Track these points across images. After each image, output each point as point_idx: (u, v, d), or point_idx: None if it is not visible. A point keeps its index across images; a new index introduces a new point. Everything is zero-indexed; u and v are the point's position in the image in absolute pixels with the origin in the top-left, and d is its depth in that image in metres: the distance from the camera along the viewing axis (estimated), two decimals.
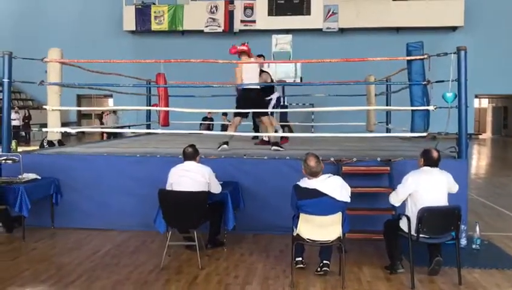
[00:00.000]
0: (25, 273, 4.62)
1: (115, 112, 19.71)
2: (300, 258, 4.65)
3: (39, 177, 5.96)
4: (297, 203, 4.23)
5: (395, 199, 4.55)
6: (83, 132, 19.87)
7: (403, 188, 4.46)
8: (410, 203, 4.44)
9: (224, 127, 16.33)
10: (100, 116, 21.03)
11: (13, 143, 6.79)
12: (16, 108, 21.20)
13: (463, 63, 5.74)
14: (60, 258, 5.10)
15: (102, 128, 16.53)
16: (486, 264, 4.80)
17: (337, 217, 4.19)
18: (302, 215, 4.21)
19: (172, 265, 4.84)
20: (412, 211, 4.36)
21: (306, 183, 4.27)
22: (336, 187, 4.23)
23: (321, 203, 4.17)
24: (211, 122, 16.13)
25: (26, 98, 25.37)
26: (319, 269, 4.52)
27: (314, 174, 4.25)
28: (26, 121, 21.49)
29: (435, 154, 4.54)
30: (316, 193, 4.18)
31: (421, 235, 4.26)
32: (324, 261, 4.51)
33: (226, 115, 16.58)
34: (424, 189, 4.36)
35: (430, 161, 4.52)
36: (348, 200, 4.27)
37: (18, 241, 5.62)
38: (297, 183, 4.34)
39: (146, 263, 4.87)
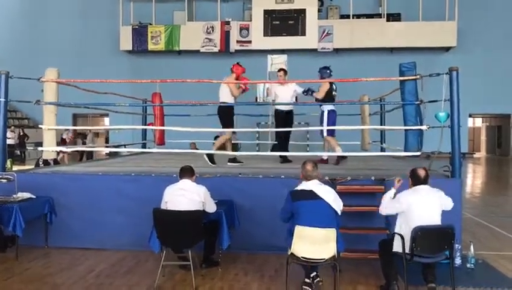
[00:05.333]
0: None
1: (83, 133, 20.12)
2: (308, 280, 4.57)
3: (34, 197, 5.94)
4: (293, 205, 4.32)
5: (385, 209, 4.66)
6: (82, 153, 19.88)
7: (393, 204, 4.55)
8: (403, 223, 4.44)
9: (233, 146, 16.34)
10: (84, 135, 21.29)
11: (8, 162, 6.77)
12: (12, 127, 21.18)
13: (455, 83, 5.82)
14: (53, 278, 5.06)
15: (90, 148, 16.54)
16: (481, 283, 4.80)
17: (331, 233, 4.20)
18: (296, 229, 4.21)
19: (166, 285, 4.81)
20: (405, 231, 4.37)
21: (302, 186, 4.44)
22: (330, 193, 4.39)
23: (316, 207, 4.25)
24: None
25: (21, 116, 25.38)
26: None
27: (309, 178, 4.43)
28: (21, 139, 21.45)
29: (421, 173, 4.59)
30: (312, 195, 4.30)
31: (415, 255, 4.27)
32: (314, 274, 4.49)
33: (235, 134, 16.62)
34: (415, 208, 4.38)
35: (418, 180, 4.57)
36: (339, 212, 4.38)
37: (11, 261, 5.58)
38: (294, 189, 4.46)
39: (140, 283, 4.84)
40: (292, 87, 8.06)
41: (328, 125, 7.60)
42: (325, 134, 7.68)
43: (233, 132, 16.76)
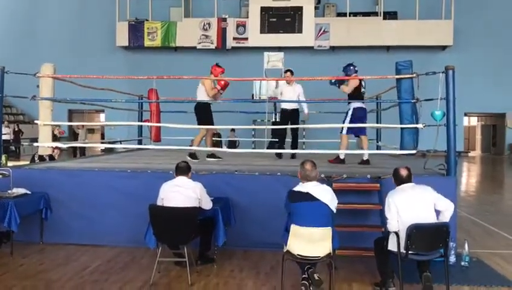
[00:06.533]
0: (13, 289, 4.57)
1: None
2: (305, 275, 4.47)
3: (29, 192, 5.92)
4: (290, 206, 4.33)
5: (392, 226, 4.41)
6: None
7: (389, 212, 4.44)
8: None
9: (231, 143, 16.35)
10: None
11: (3, 157, 6.74)
12: (6, 122, 21.08)
13: (451, 81, 5.84)
14: (48, 274, 5.05)
15: (86, 144, 16.51)
16: (475, 281, 4.84)
17: (327, 231, 4.21)
18: (292, 228, 4.22)
19: (162, 281, 4.81)
20: (399, 229, 4.37)
21: (300, 187, 4.42)
22: (327, 193, 4.36)
23: (313, 208, 4.24)
24: (219, 139, 16.03)
25: (17, 112, 25.26)
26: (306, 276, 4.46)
27: (308, 178, 4.40)
28: (16, 135, 21.36)
29: (402, 172, 4.60)
30: (309, 197, 4.28)
31: (410, 252, 4.28)
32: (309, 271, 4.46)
33: (234, 131, 16.76)
34: (402, 207, 4.38)
35: (400, 180, 4.60)
36: (334, 210, 4.37)
37: (6, 257, 5.56)
38: (292, 189, 4.45)
39: (135, 279, 4.84)
40: (298, 89, 8.35)
41: (351, 123, 7.40)
42: (344, 132, 7.53)
43: (232, 130, 16.93)
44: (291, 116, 8.42)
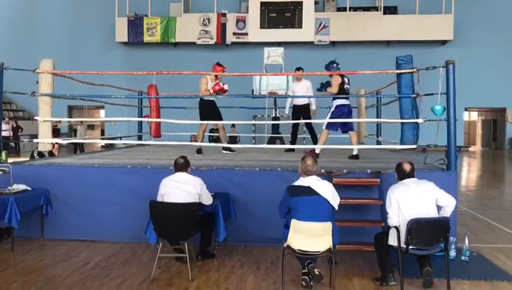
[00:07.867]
0: (13, 285, 4.58)
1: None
2: (305, 270, 4.47)
3: (29, 189, 5.92)
4: (290, 201, 4.32)
5: (392, 221, 4.42)
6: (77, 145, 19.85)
7: (390, 207, 4.44)
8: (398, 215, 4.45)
9: (232, 139, 16.33)
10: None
11: (3, 154, 6.73)
12: (6, 118, 21.07)
13: (451, 76, 5.83)
14: (49, 270, 5.06)
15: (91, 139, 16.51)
16: (475, 276, 4.84)
17: (327, 226, 4.22)
18: (292, 223, 4.22)
19: (162, 277, 4.82)
20: (400, 223, 4.37)
21: (300, 181, 4.43)
22: (328, 189, 4.37)
23: (313, 203, 4.24)
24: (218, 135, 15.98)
25: (16, 108, 25.24)
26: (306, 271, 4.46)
27: (309, 173, 4.42)
28: (15, 132, 21.37)
29: (406, 166, 4.60)
30: (309, 191, 4.29)
31: (410, 247, 4.28)
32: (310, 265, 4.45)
33: (235, 126, 16.76)
34: (404, 201, 4.38)
35: (403, 175, 4.59)
36: (336, 207, 4.37)
37: (6, 253, 5.57)
38: (292, 184, 4.45)
39: (136, 275, 4.85)
40: (306, 84, 8.75)
41: (330, 119, 7.43)
42: (324, 127, 7.59)
43: (233, 125, 16.95)
44: (302, 111, 8.72)
